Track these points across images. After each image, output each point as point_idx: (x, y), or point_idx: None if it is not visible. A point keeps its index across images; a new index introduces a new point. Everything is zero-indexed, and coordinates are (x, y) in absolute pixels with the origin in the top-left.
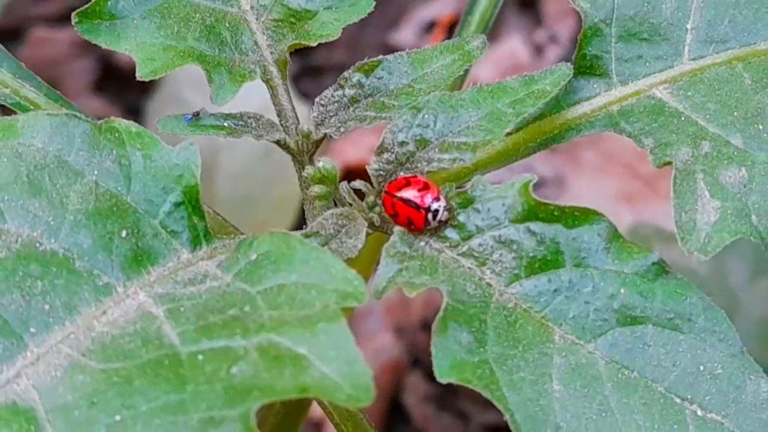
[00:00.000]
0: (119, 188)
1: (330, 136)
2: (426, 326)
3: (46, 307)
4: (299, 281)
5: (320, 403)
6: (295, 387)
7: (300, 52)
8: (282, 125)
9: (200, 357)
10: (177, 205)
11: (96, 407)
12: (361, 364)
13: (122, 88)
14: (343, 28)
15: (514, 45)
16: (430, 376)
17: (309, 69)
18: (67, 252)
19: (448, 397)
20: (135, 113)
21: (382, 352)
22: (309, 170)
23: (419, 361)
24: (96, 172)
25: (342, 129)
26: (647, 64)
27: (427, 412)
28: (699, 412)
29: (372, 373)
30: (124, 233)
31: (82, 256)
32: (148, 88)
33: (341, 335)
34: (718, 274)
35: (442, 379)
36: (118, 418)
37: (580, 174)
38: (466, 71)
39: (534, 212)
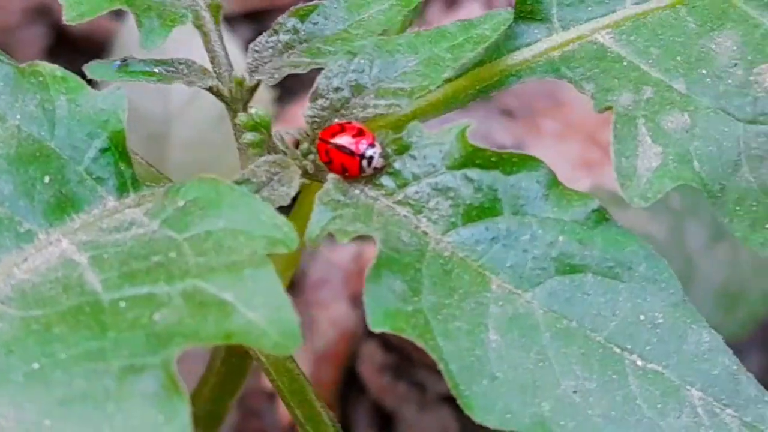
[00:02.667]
0: (42, 133)
1: (261, 83)
2: None
3: None
4: (227, 227)
5: (258, 360)
6: (219, 333)
7: None
8: (215, 72)
9: (122, 304)
10: (103, 151)
11: (14, 355)
12: (288, 310)
13: (75, 55)
14: None
15: (473, 9)
16: (386, 345)
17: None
18: None
19: (405, 366)
20: (88, 79)
21: (338, 321)
22: (242, 117)
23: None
24: (18, 117)
25: (276, 75)
26: (589, 8)
27: (383, 382)
28: (639, 363)
29: (299, 319)
30: (47, 179)
31: (2, 201)
32: (100, 54)
33: (269, 281)
34: (675, 239)
35: (375, 328)
36: (36, 366)
37: (540, 141)
38: (411, 20)
39: (471, 158)
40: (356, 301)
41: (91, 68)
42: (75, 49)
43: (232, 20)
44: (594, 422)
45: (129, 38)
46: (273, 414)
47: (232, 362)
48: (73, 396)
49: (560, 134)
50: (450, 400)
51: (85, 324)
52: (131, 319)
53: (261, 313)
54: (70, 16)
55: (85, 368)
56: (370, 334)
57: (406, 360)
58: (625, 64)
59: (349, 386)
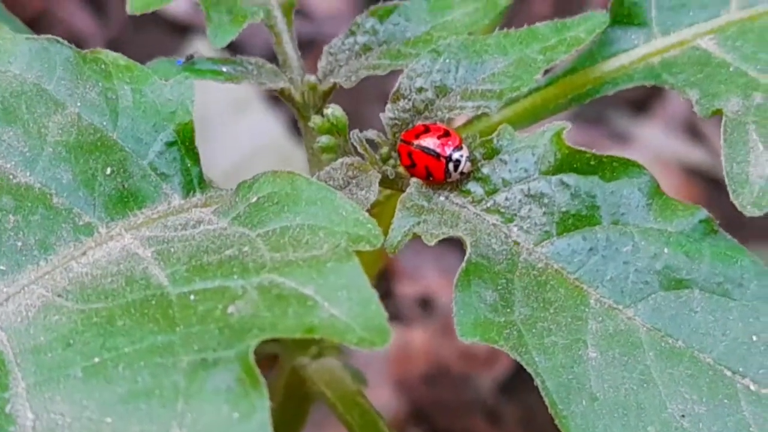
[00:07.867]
0: (104, 123)
1: (339, 86)
2: (428, 380)
3: (19, 244)
4: (305, 223)
5: (323, 396)
6: (299, 326)
7: None
8: (286, 76)
9: (192, 297)
10: (169, 145)
11: (72, 348)
12: (375, 305)
13: None
14: None
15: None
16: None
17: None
18: (44, 186)
19: None
20: None
21: (381, 406)
22: (316, 120)
23: (421, 416)
24: (79, 104)
25: (353, 78)
26: (691, 13)
27: None
28: (752, 387)
29: (387, 315)
30: (108, 171)
31: (60, 192)
32: None
33: (353, 275)
34: None
35: (465, 338)
36: (96, 360)
37: None
38: (494, 24)
39: (568, 162)
40: (400, 386)
41: (154, 66)
42: None
43: None
44: None
45: None
46: None
47: (290, 406)
48: (138, 392)
49: None
50: None
51: (152, 317)
52: (202, 312)
53: (345, 307)
54: (135, 6)
55: (151, 363)
56: (415, 421)
57: None
58: (731, 69)
59: None
